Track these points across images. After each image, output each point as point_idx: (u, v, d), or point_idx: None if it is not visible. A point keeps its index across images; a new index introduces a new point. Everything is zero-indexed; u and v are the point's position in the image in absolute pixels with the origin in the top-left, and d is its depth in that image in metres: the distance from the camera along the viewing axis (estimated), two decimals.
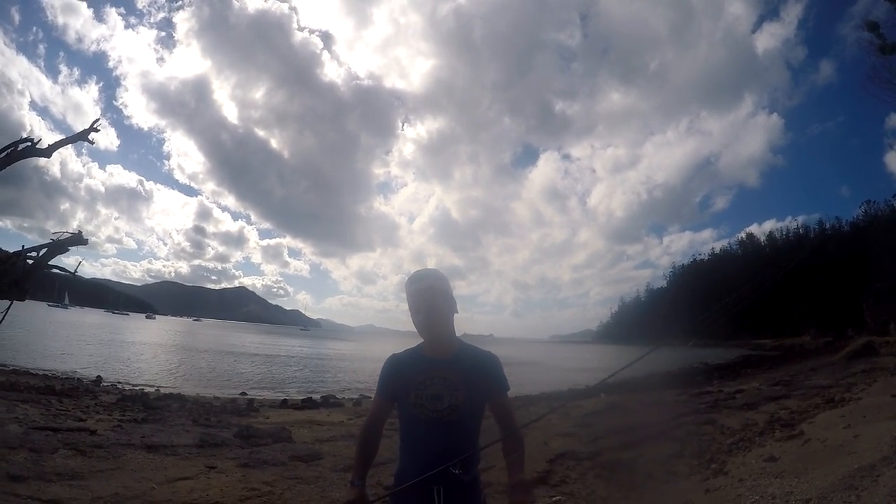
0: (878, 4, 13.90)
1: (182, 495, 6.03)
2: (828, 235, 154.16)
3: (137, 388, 19.42)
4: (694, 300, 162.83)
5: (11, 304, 8.24)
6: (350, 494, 2.37)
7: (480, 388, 2.40)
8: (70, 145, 10.46)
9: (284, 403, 17.50)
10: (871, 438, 6.70)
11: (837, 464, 5.97)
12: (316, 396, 19.95)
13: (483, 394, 2.41)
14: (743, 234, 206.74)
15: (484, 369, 2.43)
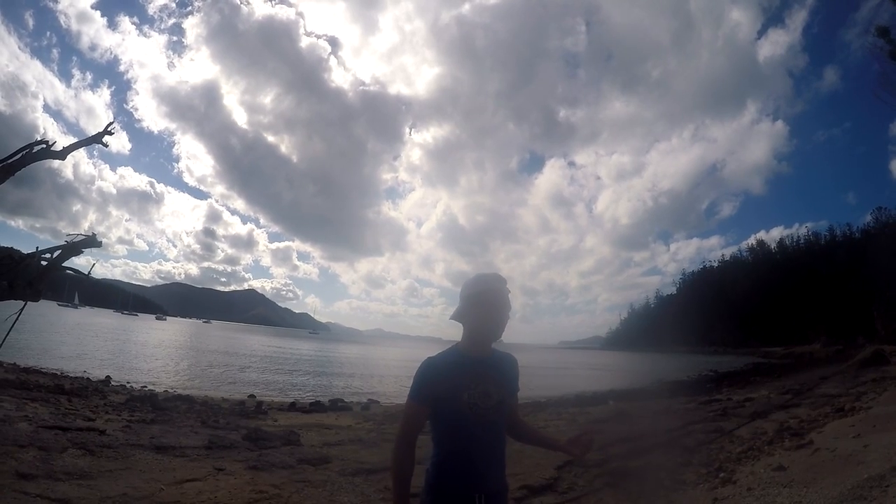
0: (882, 10, 13.79)
1: (190, 497, 6.05)
2: (838, 242, 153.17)
3: (146, 388, 19.51)
4: (704, 307, 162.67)
5: (25, 304, 8.31)
6: None
7: (512, 385, 2.52)
8: (83, 147, 10.54)
9: (293, 406, 17.54)
10: (880, 448, 6.66)
11: (847, 474, 5.94)
12: (324, 400, 19.96)
13: (512, 391, 2.52)
14: (752, 241, 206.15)
15: (511, 369, 2.55)
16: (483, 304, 2.42)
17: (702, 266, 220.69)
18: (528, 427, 2.70)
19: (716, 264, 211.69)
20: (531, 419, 14.75)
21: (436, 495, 2.36)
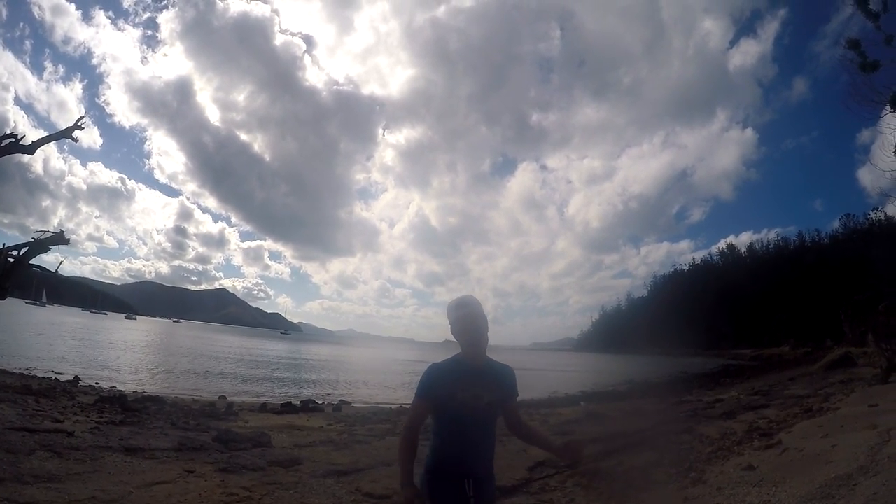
0: (852, 23, 14.18)
1: (160, 500, 5.97)
2: (807, 247, 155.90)
3: (115, 389, 19.19)
4: (675, 309, 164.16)
5: None
6: (408, 494, 2.74)
7: (504, 392, 3.02)
8: (53, 142, 10.37)
9: (264, 408, 17.39)
10: (848, 448, 6.78)
11: (815, 473, 6.03)
12: (295, 401, 19.80)
13: (505, 397, 3.03)
14: (723, 245, 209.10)
15: (506, 378, 3.07)
16: (463, 328, 2.95)
17: (672, 269, 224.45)
18: (529, 427, 3.24)
19: (686, 268, 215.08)
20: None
21: (432, 476, 2.88)
